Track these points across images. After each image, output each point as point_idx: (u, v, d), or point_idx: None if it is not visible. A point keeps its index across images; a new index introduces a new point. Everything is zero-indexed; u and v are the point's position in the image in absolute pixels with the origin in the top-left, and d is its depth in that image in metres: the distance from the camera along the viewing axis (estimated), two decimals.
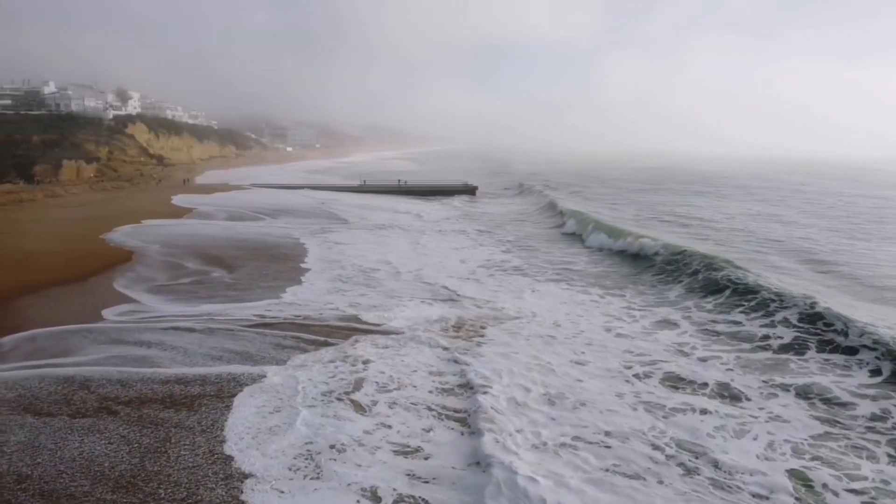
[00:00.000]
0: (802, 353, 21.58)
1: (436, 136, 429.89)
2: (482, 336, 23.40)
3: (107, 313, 25.48)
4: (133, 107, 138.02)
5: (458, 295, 29.56)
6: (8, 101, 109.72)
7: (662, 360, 20.80)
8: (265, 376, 18.50)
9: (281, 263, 36.24)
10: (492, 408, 16.41)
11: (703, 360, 21.03)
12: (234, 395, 17.18)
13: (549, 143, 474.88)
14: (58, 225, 48.00)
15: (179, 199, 68.72)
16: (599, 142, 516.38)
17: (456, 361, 20.17)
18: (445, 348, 21.57)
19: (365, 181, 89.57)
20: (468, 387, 18.20)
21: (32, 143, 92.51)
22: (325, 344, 21.75)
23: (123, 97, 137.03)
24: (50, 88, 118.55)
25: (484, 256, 40.72)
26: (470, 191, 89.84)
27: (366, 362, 20.03)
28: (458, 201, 78.50)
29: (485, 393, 17.49)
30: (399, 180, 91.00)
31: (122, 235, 44.17)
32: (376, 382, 18.42)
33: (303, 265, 35.79)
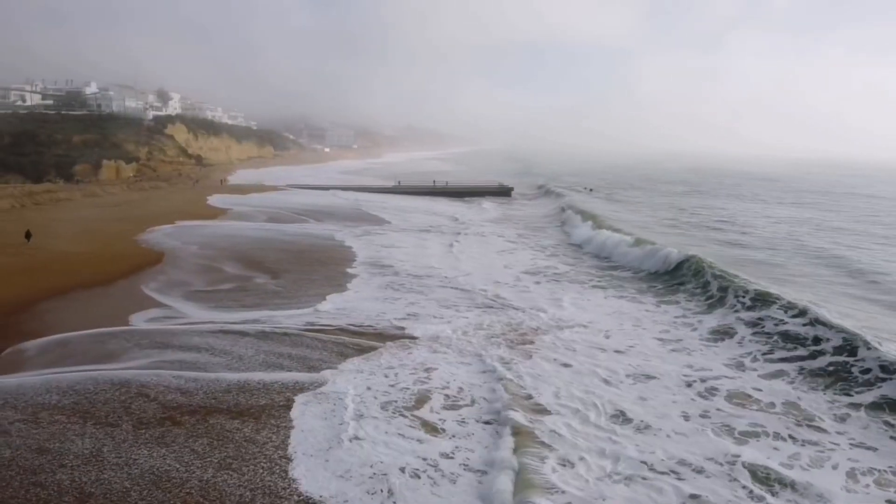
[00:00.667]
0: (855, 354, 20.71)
1: (471, 136, 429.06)
2: (533, 345, 22.96)
3: (136, 318, 25.27)
4: (173, 107, 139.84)
5: (507, 303, 29.11)
6: (50, 102, 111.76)
7: (726, 376, 20.14)
8: (325, 384, 18.30)
9: (327, 268, 36.07)
10: (550, 430, 15.85)
11: (766, 375, 20.31)
12: (296, 405, 16.95)
13: (585, 143, 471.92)
14: (91, 225, 48.43)
15: (215, 200, 69.16)
16: (636, 142, 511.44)
17: (510, 376, 19.67)
18: (499, 359, 21.14)
19: (400, 182, 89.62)
20: (526, 405, 17.60)
21: (73, 143, 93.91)
22: (381, 352, 21.50)
23: (164, 98, 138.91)
24: (91, 89, 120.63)
25: (527, 261, 40.24)
26: (505, 192, 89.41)
27: (427, 371, 19.75)
28: (494, 202, 78.04)
29: (539, 413, 16.92)
30: (434, 181, 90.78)
31: (155, 236, 44.34)
32: (445, 395, 18.04)
33: (350, 270, 35.60)
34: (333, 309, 26.98)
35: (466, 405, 17.61)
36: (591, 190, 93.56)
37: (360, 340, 22.64)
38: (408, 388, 18.35)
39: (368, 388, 18.13)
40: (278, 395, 17.57)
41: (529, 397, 18.03)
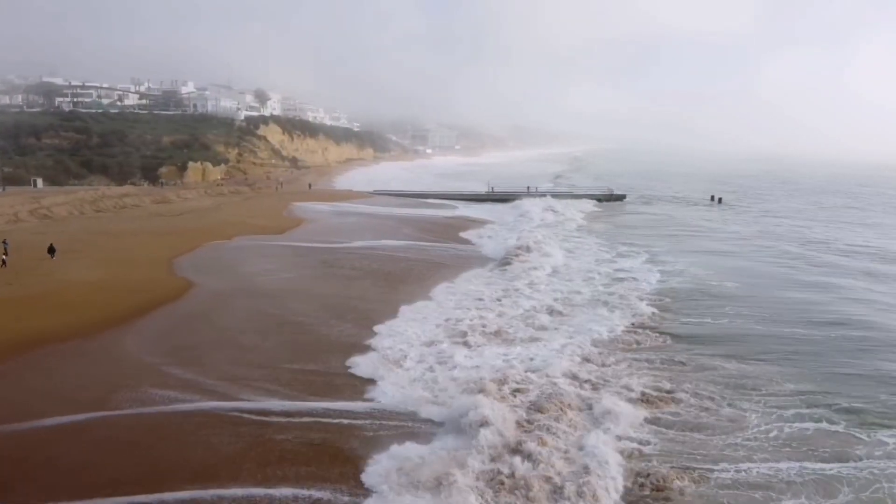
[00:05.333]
0: None
1: (579, 135, 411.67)
2: None
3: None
4: (272, 108, 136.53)
5: None
6: (144, 101, 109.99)
7: None
8: None
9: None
10: None
11: None
12: None
13: (700, 143, 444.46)
14: (134, 240, 42.11)
15: (296, 208, 62.57)
16: (760, 140, 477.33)
17: None
18: None
19: (493, 188, 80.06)
20: None
21: (162, 144, 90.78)
22: None
23: (262, 98, 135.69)
24: (188, 88, 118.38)
25: None
26: (617, 199, 78.81)
27: None
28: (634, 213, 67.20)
29: None
30: (528, 187, 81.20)
31: (197, 258, 37.23)
32: None
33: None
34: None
35: None
36: (720, 200, 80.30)
37: None
38: None
39: None
40: None
41: None
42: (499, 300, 30.48)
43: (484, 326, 26.08)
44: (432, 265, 38.25)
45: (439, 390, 19.70)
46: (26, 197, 58.46)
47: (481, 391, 18.78)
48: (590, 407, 18.61)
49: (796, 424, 17.87)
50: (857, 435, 17.42)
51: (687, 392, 19.83)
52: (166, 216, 53.66)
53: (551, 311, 28.82)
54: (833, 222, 63.85)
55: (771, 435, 17.27)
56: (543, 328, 26.45)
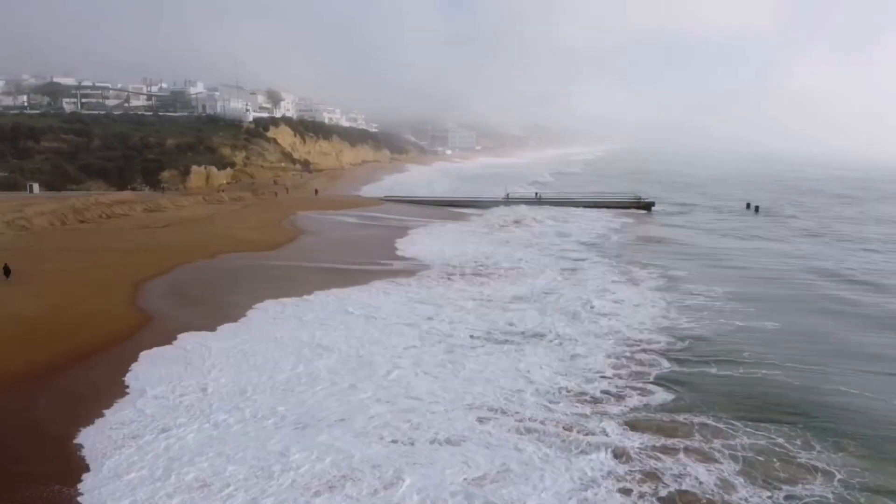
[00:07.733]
0: None
1: (601, 135, 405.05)
2: None
3: None
4: (286, 108, 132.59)
5: None
6: (150, 102, 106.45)
7: None
8: None
9: None
10: None
11: None
12: None
13: (726, 142, 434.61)
14: (106, 258, 37.78)
15: (295, 218, 58.18)
16: (781, 142, 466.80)
17: None
18: None
19: (509, 195, 74.84)
20: None
21: (166, 147, 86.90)
22: None
23: (275, 98, 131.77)
24: (197, 89, 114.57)
25: None
26: (644, 206, 73.27)
27: None
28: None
29: None
30: (536, 193, 77.02)
31: (166, 285, 32.62)
32: None
33: None
34: None
35: None
36: (756, 209, 74.55)
37: None
38: None
39: None
40: None
41: None
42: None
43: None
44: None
45: None
46: (11, 205, 54.73)
47: None
48: None
49: None
50: None
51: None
52: (151, 228, 49.43)
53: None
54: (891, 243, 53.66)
55: None
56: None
